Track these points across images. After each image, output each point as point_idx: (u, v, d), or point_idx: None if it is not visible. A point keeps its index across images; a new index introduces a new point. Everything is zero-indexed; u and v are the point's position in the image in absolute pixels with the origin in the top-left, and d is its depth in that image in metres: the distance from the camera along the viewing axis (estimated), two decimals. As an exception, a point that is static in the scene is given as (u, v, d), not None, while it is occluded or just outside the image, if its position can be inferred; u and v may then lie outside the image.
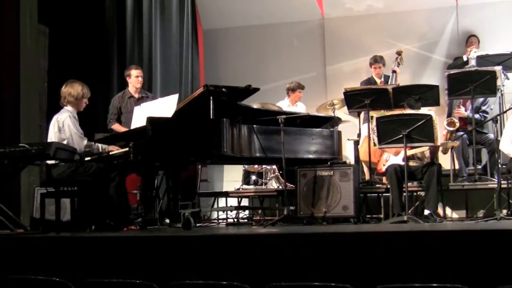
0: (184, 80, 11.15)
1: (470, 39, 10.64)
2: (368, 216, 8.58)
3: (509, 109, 8.27)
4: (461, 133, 8.84)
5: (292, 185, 8.61)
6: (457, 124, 8.72)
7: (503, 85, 8.90)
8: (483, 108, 9.30)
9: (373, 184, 8.75)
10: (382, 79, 10.21)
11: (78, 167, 7.18)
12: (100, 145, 7.47)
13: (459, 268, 4.81)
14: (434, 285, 4.45)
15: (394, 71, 10.10)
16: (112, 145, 7.48)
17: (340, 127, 9.06)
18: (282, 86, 10.71)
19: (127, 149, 7.07)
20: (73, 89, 7.47)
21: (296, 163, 8.25)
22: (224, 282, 4.64)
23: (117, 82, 10.35)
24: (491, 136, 8.91)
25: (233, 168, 10.48)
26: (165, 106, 7.63)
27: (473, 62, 9.78)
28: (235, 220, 9.47)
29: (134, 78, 9.19)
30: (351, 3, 11.65)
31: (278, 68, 11.64)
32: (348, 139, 9.81)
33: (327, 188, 8.09)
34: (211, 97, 7.25)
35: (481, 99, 9.20)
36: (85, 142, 7.36)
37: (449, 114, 9.36)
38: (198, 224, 8.26)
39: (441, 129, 8.99)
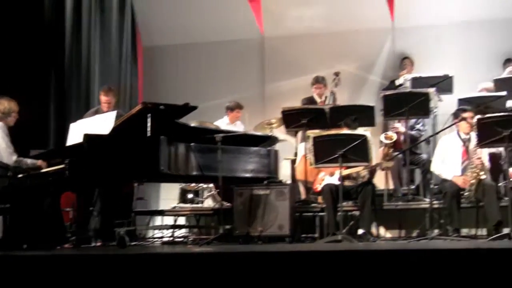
0: (123, 97, 11.11)
1: (404, 61, 10.88)
2: (303, 235, 8.63)
3: (442, 130, 8.44)
4: (396, 153, 8.99)
5: (228, 204, 8.66)
6: (394, 137, 8.86)
7: (437, 107, 9.09)
8: (417, 126, 9.51)
9: (308, 204, 8.81)
10: (323, 99, 10.32)
11: (11, 183, 7.11)
12: (29, 160, 7.40)
13: (392, 286, 4.89)
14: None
15: (332, 92, 10.23)
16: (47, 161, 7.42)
17: (277, 146, 9.16)
18: (221, 104, 10.70)
19: (62, 166, 7.03)
20: (0, 105, 7.45)
21: (233, 181, 8.30)
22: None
23: (54, 98, 10.24)
24: (424, 156, 9.12)
25: (169, 186, 10.44)
26: (102, 123, 7.56)
27: (407, 84, 9.99)
28: (171, 238, 9.43)
29: (102, 103, 9.10)
30: (291, 22, 11.74)
31: (217, 86, 11.67)
32: (285, 158, 9.87)
33: (263, 207, 8.15)
34: (149, 115, 7.26)
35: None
36: (15, 157, 7.29)
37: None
38: (133, 243, 8.22)
39: (377, 149, 9.17)
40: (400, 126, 9.21)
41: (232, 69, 11.92)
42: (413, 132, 9.41)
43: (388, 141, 8.71)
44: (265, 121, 10.01)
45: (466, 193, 7.94)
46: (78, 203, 8.18)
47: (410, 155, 9.07)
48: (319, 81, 10.35)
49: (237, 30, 11.83)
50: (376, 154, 8.44)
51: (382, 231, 8.74)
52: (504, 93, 9.19)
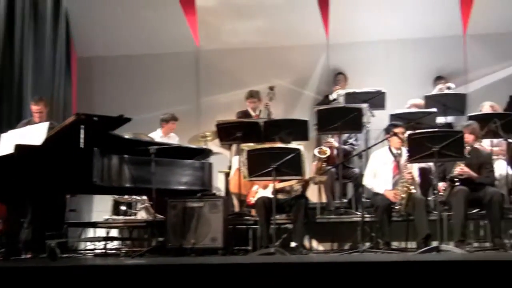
0: (56, 108, 10.97)
1: (338, 76, 11.02)
2: (236, 248, 8.63)
3: (374, 145, 8.56)
4: (329, 167, 9.06)
5: (162, 216, 8.62)
6: (328, 152, 8.94)
7: (369, 122, 9.21)
8: (350, 141, 9.61)
9: (242, 216, 8.84)
10: (257, 113, 10.37)
11: None
12: None
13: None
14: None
15: (267, 105, 10.28)
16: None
17: (212, 159, 9.14)
18: (156, 116, 10.65)
19: (-8, 176, 6.92)
20: None
21: (166, 194, 8.26)
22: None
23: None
24: (357, 170, 9.23)
25: (102, 198, 10.32)
26: (34, 134, 7.42)
27: (341, 100, 10.11)
28: (103, 251, 9.31)
29: (33, 113, 8.96)
30: (226, 36, 11.77)
31: (152, 99, 11.60)
32: (219, 171, 9.88)
33: (197, 219, 8.14)
34: (82, 126, 7.18)
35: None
36: None
37: (319, 148, 9.62)
38: (64, 255, 8.11)
39: (310, 163, 9.24)
40: (334, 141, 9.30)
41: (168, 82, 11.86)
42: (346, 147, 9.52)
43: (322, 156, 8.79)
44: (200, 134, 10.01)
45: (396, 207, 8.05)
46: (8, 214, 8.02)
47: (342, 169, 9.18)
48: (253, 95, 10.41)
49: (172, 43, 11.78)
50: (309, 168, 8.52)
51: (314, 244, 8.80)
52: (434, 109, 9.38)
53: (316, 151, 8.90)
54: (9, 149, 7.13)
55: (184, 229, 8.16)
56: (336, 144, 9.30)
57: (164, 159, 8.09)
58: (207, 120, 10.82)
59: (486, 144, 8.74)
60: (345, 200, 9.47)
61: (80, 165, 7.13)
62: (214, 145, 9.78)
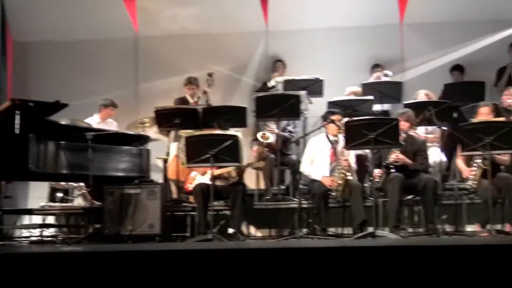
0: (-10, 93, 10.79)
1: (276, 64, 11.05)
2: (174, 234, 8.61)
3: (311, 132, 8.61)
4: (268, 154, 9.09)
5: (99, 203, 8.56)
6: (270, 137, 8.99)
7: (307, 109, 9.28)
8: (288, 128, 9.67)
9: (180, 203, 8.84)
10: (195, 99, 10.35)
11: None
12: None
13: (263, 285, 4.96)
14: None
15: (205, 92, 10.25)
16: None
17: (150, 146, 9.11)
18: (93, 102, 10.53)
19: None
20: None
21: (103, 180, 8.21)
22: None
23: None
24: (294, 157, 9.29)
25: (38, 184, 10.17)
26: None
27: (280, 87, 10.15)
28: (39, 238, 9.19)
29: None
30: (165, 22, 11.65)
31: (90, 85, 11.39)
32: (157, 158, 9.84)
33: (134, 206, 8.11)
34: (17, 112, 7.08)
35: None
36: None
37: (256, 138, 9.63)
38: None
39: (249, 150, 9.27)
40: (275, 127, 9.33)
41: (106, 68, 11.69)
42: (285, 134, 9.58)
43: (264, 141, 8.85)
44: (138, 120, 9.93)
45: (333, 193, 8.13)
46: None
47: (281, 156, 9.21)
48: (191, 82, 10.40)
49: (111, 29, 11.62)
50: (247, 154, 8.54)
51: (252, 230, 8.84)
52: (371, 97, 9.50)
53: (259, 136, 8.96)
54: None
55: (121, 216, 8.12)
56: (276, 130, 9.33)
57: (101, 145, 8.06)
58: (146, 106, 10.75)
59: (421, 132, 8.88)
60: (283, 187, 9.52)
61: (15, 151, 7.06)
62: (152, 132, 9.72)
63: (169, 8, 11.53)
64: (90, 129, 8.34)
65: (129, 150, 8.52)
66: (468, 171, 8.08)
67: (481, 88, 9.56)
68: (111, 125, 10.19)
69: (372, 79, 10.52)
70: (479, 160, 7.91)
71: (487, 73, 10.42)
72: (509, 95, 9.25)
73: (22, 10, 11.69)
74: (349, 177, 8.14)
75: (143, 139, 8.92)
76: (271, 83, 10.57)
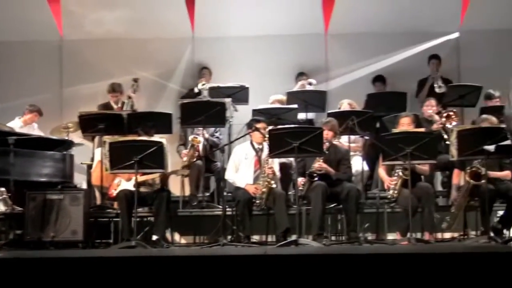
0: None
1: (202, 71, 11.05)
2: (97, 241, 8.54)
3: (236, 139, 8.62)
4: (195, 160, 9.09)
5: (20, 208, 8.41)
6: (200, 140, 9.00)
7: (232, 117, 9.31)
8: (216, 134, 9.68)
9: (104, 209, 8.76)
10: (119, 105, 10.26)
11: None
12: None
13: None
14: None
15: (130, 97, 10.19)
16: None
17: (74, 151, 9.03)
18: (16, 106, 10.41)
19: None
20: None
21: (26, 185, 8.09)
22: None
23: None
24: (219, 164, 9.29)
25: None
26: None
27: (205, 93, 10.16)
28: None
29: None
30: (90, 26, 11.50)
31: (13, 88, 11.19)
32: (81, 163, 9.73)
33: (57, 212, 8.02)
34: None
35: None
36: None
37: (185, 143, 9.61)
38: None
39: (174, 156, 9.25)
40: (205, 132, 9.32)
41: (29, 71, 11.44)
42: (214, 139, 9.58)
43: (196, 144, 8.89)
44: (62, 125, 9.83)
45: (257, 201, 8.16)
46: None
47: (206, 162, 9.23)
48: (115, 89, 10.28)
49: (35, 31, 11.39)
50: (172, 161, 8.51)
51: (177, 237, 8.83)
52: (295, 106, 9.57)
53: (190, 139, 8.99)
54: None
55: (43, 222, 8.03)
56: (206, 135, 9.34)
57: (24, 150, 7.96)
58: (70, 111, 10.59)
59: (344, 141, 8.98)
60: (207, 194, 9.53)
61: None
62: (76, 137, 9.62)
63: (95, 12, 11.39)
64: (12, 133, 8.20)
65: (53, 155, 8.43)
66: (389, 180, 8.24)
67: (402, 98, 9.74)
68: (34, 130, 10.02)
69: (297, 87, 10.60)
70: (400, 170, 8.07)
71: (408, 84, 10.63)
72: (430, 106, 9.45)
73: None
74: (273, 185, 8.18)
75: (67, 144, 8.84)
76: (198, 87, 10.55)
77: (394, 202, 8.22)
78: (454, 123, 8.96)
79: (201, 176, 9.26)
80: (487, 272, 4.99)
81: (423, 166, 8.28)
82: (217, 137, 9.71)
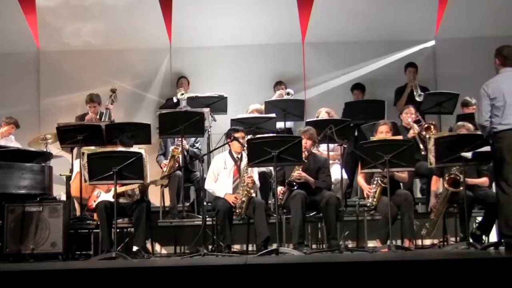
0: None
1: (180, 80, 11.10)
2: (78, 252, 8.52)
3: (215, 149, 8.66)
4: (174, 170, 9.09)
5: (-1, 221, 8.38)
6: (180, 151, 9.03)
7: (211, 126, 9.32)
8: (197, 145, 9.71)
9: (83, 220, 8.73)
10: (98, 116, 10.24)
11: None
12: None
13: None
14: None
15: (107, 108, 10.20)
16: None
17: (52, 162, 8.99)
18: (-8, 118, 10.37)
19: None
20: None
21: (4, 198, 8.06)
22: None
23: None
24: (198, 174, 9.29)
25: None
26: None
27: (184, 103, 10.17)
28: None
29: None
30: (68, 37, 11.51)
31: (-10, 99, 11.19)
32: (61, 175, 9.70)
33: (36, 224, 8.00)
34: None
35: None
36: None
37: (164, 152, 9.63)
38: None
39: (153, 167, 9.25)
40: (185, 143, 9.33)
41: (7, 82, 11.41)
42: (194, 149, 9.61)
43: (177, 155, 8.92)
44: (40, 136, 9.84)
45: (237, 211, 8.17)
46: None
47: (186, 172, 9.24)
48: (93, 99, 10.31)
49: (12, 42, 11.37)
50: (150, 172, 8.52)
51: (157, 247, 8.82)
52: (273, 115, 9.60)
53: (171, 149, 9.00)
54: None
55: (22, 234, 7.99)
56: (187, 146, 9.35)
57: (1, 162, 7.93)
58: (48, 122, 10.60)
59: (323, 149, 9.01)
60: (187, 204, 9.53)
61: None
62: (55, 148, 9.59)
63: (72, 23, 11.40)
64: (-11, 145, 8.18)
65: (31, 167, 8.38)
66: (369, 188, 8.28)
67: (381, 106, 9.82)
68: (11, 142, 9.98)
69: (275, 96, 10.65)
70: (379, 178, 8.12)
71: (386, 92, 10.72)
72: (409, 114, 9.49)
73: None
74: (253, 194, 8.20)
75: (45, 156, 8.81)
76: (178, 96, 10.57)
77: (374, 210, 8.27)
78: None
79: (181, 186, 9.26)
80: (467, 278, 5.05)
81: (402, 174, 8.34)
82: (198, 148, 9.73)
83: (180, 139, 9.15)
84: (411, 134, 9.09)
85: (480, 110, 7.42)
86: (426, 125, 9.08)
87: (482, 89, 7.40)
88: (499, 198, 7.35)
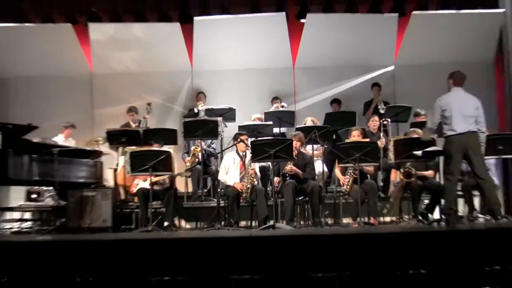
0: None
1: (199, 95, 11.04)
2: (123, 226, 8.57)
3: (226, 149, 8.66)
4: (194, 165, 9.13)
5: (64, 202, 8.46)
6: (199, 150, 9.08)
7: (223, 131, 9.35)
8: (212, 145, 9.76)
9: (127, 203, 8.81)
10: (136, 124, 10.32)
11: None
12: None
13: (190, 265, 5.06)
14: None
15: (144, 118, 10.26)
16: None
17: (103, 158, 9.08)
18: (58, 125, 10.43)
19: None
20: None
21: (67, 185, 8.15)
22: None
23: None
24: (214, 168, 9.37)
25: (17, 188, 9.92)
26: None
27: (202, 113, 10.22)
28: (19, 229, 9.06)
29: None
30: (114, 63, 11.54)
31: (55, 111, 11.13)
32: (109, 168, 9.77)
33: (91, 205, 8.09)
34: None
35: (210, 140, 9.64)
36: None
37: (188, 151, 9.69)
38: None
39: (179, 162, 9.31)
40: (204, 144, 9.38)
41: (67, 98, 11.40)
42: (210, 149, 9.67)
43: (196, 153, 9.02)
44: (93, 139, 9.86)
45: (243, 195, 8.21)
46: None
47: (204, 167, 9.30)
48: (131, 110, 10.38)
49: (71, 67, 11.42)
50: (177, 165, 8.56)
51: (183, 223, 8.84)
52: (271, 122, 9.65)
53: (192, 148, 9.01)
54: None
55: (81, 213, 8.10)
56: (204, 146, 9.42)
57: (65, 158, 8.01)
58: (99, 128, 10.58)
59: (309, 149, 9.03)
60: (205, 190, 9.57)
61: (-3, 163, 6.95)
62: (105, 148, 9.65)
63: (116, 53, 11.43)
64: (56, 145, 8.25)
65: (87, 162, 8.48)
66: (344, 178, 8.34)
67: (353, 116, 9.82)
68: (71, 143, 10.06)
69: (272, 108, 10.66)
70: (351, 170, 8.18)
71: (357, 105, 10.68)
72: (374, 121, 9.57)
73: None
74: (255, 183, 8.24)
75: (98, 153, 8.88)
76: (198, 108, 10.60)
77: (347, 195, 8.31)
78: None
79: (200, 177, 9.34)
80: (417, 246, 5.14)
81: (369, 168, 8.39)
82: (213, 148, 9.77)
83: (199, 141, 9.20)
84: (379, 144, 9.02)
85: (434, 116, 7.51)
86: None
87: (436, 102, 7.48)
88: (445, 184, 7.45)
